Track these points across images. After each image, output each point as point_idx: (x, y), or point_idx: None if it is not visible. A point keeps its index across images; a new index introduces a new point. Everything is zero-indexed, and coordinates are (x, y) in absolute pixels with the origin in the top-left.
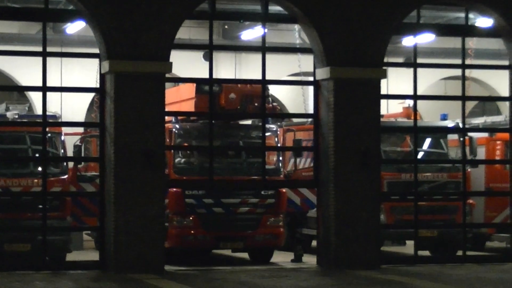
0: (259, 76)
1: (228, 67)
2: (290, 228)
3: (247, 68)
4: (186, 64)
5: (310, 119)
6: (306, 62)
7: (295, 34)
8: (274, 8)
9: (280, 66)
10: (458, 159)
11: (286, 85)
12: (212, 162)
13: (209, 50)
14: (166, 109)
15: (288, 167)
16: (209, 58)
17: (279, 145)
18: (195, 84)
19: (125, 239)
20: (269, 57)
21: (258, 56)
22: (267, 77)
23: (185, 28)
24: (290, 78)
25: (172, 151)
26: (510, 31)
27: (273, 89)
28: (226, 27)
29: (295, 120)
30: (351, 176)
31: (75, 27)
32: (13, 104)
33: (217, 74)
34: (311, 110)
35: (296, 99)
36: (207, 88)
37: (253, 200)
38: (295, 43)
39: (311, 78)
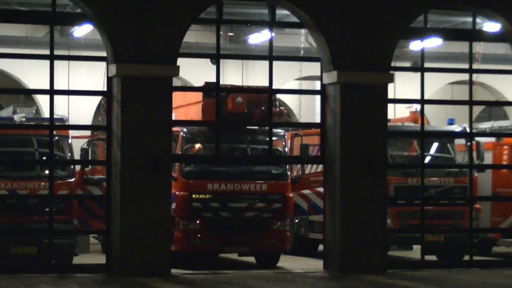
0: (266, 80)
1: (235, 71)
2: None
3: (254, 72)
4: (193, 67)
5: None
6: (308, 68)
7: (301, 38)
8: (281, 12)
9: (286, 72)
10: (465, 163)
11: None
12: (219, 142)
13: (216, 56)
14: (173, 113)
15: (295, 172)
16: (216, 63)
17: (286, 149)
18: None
19: (131, 243)
20: (275, 62)
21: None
22: (273, 82)
23: (192, 32)
24: (296, 82)
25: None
26: None
27: (280, 94)
28: (231, 34)
29: None
30: (357, 181)
31: (82, 30)
32: (20, 107)
33: (224, 78)
34: (317, 115)
35: (303, 103)
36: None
37: (259, 205)
38: (301, 47)
39: (317, 82)
